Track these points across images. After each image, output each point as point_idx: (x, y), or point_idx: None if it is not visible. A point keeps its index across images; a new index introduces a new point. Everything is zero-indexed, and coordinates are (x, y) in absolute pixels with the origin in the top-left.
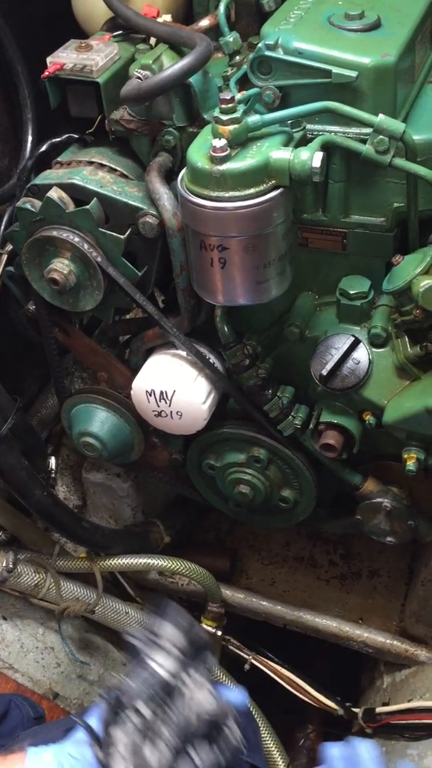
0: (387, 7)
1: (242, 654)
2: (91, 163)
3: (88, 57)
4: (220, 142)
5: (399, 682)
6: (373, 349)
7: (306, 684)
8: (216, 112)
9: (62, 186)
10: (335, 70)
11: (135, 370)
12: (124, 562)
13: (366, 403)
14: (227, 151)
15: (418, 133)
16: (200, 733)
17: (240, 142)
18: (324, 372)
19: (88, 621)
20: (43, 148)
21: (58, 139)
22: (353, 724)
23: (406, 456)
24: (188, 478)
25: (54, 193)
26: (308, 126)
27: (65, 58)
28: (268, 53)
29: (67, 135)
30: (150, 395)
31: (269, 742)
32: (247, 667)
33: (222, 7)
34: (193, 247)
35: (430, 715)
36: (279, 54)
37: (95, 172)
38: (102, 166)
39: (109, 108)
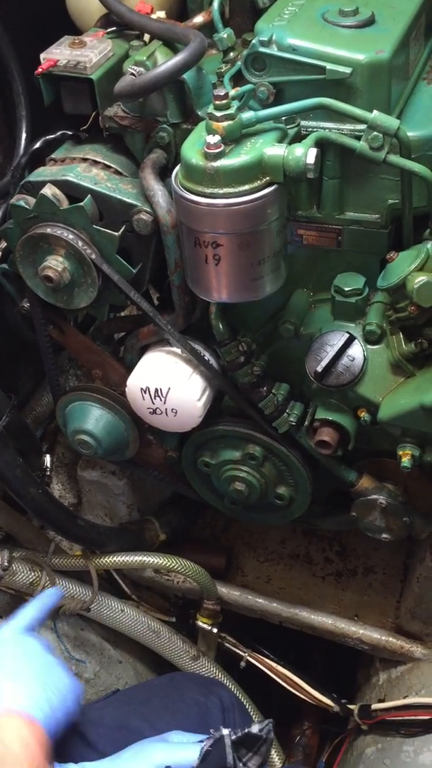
0: (381, 4)
1: (238, 651)
2: (85, 160)
3: (81, 53)
4: (214, 139)
5: (395, 678)
6: (368, 346)
7: (302, 681)
8: (210, 109)
9: (56, 183)
10: (329, 66)
11: (130, 368)
12: (119, 560)
13: (361, 400)
14: (221, 148)
15: (413, 129)
16: None
17: (234, 138)
18: (319, 369)
19: (83, 618)
20: (37, 145)
21: (52, 136)
22: (349, 721)
23: (401, 453)
24: (183, 476)
25: (48, 190)
26: (302, 122)
27: (59, 54)
28: (262, 50)
29: (60, 132)
30: (145, 392)
31: None
32: (243, 664)
33: (216, 4)
34: (187, 244)
35: (426, 711)
36: (273, 50)
37: (89, 169)
38: (96, 162)
39: (103, 104)
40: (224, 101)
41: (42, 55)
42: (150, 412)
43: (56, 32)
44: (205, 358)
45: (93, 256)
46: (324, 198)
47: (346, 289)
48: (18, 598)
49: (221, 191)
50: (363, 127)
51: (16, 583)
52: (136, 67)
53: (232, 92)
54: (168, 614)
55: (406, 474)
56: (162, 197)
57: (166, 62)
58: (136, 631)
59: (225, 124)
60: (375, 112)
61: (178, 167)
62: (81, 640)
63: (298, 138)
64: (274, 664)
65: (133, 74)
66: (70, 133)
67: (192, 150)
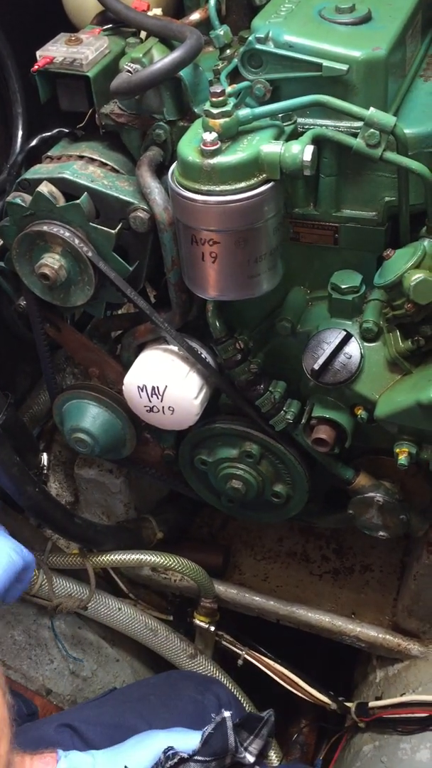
0: (378, 1)
1: (235, 649)
2: (81, 157)
3: (78, 51)
4: (210, 136)
5: (392, 676)
6: (365, 344)
7: (299, 679)
8: (206, 106)
9: (53, 180)
10: (326, 63)
11: (127, 366)
12: (116, 558)
13: (358, 397)
14: (218, 145)
15: (409, 126)
16: None
17: (230, 135)
18: (316, 366)
19: (80, 617)
20: (34, 143)
21: (49, 134)
22: (346, 718)
23: (397, 450)
24: (180, 474)
25: (44, 188)
26: (299, 120)
27: (55, 51)
28: (258, 47)
29: (57, 129)
30: (142, 390)
31: None
32: (240, 662)
33: (212, 1)
34: (184, 241)
35: (423, 709)
36: (269, 47)
37: (86, 167)
38: (92, 160)
39: (100, 102)
40: (221, 98)
41: (38, 53)
42: (147, 410)
43: (52, 29)
44: (202, 355)
45: (89, 254)
46: (321, 195)
47: (343, 286)
48: None
49: (218, 188)
50: (360, 124)
51: None
52: (132, 65)
53: (229, 89)
54: (165, 612)
55: (403, 471)
56: (159, 195)
57: (162, 59)
58: (133, 629)
59: (221, 121)
60: (372, 109)
61: (174, 164)
62: (78, 638)
63: (295, 135)
64: (271, 662)
65: (129, 71)
66: (66, 130)
67: (188, 147)
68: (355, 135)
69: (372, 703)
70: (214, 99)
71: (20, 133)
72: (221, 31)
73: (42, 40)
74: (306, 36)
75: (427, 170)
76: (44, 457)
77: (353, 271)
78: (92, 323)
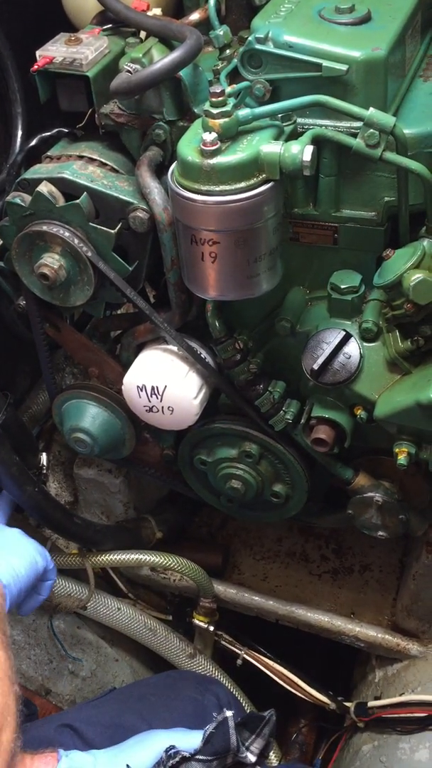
0: (377, 1)
1: (234, 649)
2: (81, 157)
3: (77, 51)
4: (210, 136)
5: (391, 676)
6: (365, 344)
7: (298, 679)
8: (206, 106)
9: (52, 180)
10: (325, 63)
11: (126, 366)
12: (116, 558)
13: (357, 397)
14: (217, 145)
15: (409, 126)
16: None
17: (230, 135)
18: (315, 366)
19: (80, 617)
20: (33, 143)
21: (48, 134)
22: (346, 718)
23: (397, 450)
24: (180, 474)
25: (44, 188)
26: (299, 120)
27: (55, 51)
28: (258, 47)
29: (57, 129)
30: (141, 390)
31: None
32: (239, 662)
33: (212, 1)
34: (183, 241)
35: (422, 708)
36: (269, 47)
37: (85, 167)
38: (92, 160)
39: (99, 102)
40: (220, 98)
41: (38, 53)
42: (146, 410)
43: (52, 29)
44: (202, 355)
45: (89, 254)
46: (320, 195)
47: (343, 286)
48: None
49: (217, 188)
50: (359, 124)
51: None
52: (132, 65)
53: (229, 89)
54: (164, 612)
55: (403, 471)
56: (158, 195)
57: (162, 59)
58: (132, 629)
59: (221, 121)
60: (371, 109)
61: (174, 164)
62: (77, 638)
63: (295, 135)
64: (270, 662)
65: (129, 71)
66: (66, 130)
67: (188, 147)
68: (354, 135)
69: (371, 703)
70: (213, 99)
71: (20, 132)
72: (221, 31)
73: (42, 40)
74: (306, 36)
75: (427, 170)
76: (44, 456)
77: (353, 271)
78: (92, 323)
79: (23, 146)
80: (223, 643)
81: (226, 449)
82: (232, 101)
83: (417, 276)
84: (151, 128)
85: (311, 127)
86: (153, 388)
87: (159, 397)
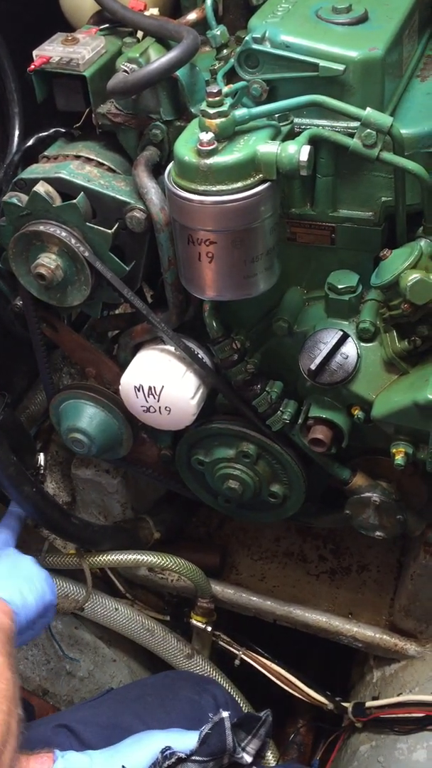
0: (374, 1)
1: (232, 649)
2: (78, 157)
3: (74, 50)
4: (207, 136)
5: (389, 676)
6: (362, 344)
7: (296, 679)
8: (203, 106)
9: (49, 180)
10: (322, 63)
11: (123, 366)
12: (113, 559)
13: (354, 397)
14: (214, 145)
15: (406, 127)
16: None
17: (227, 135)
18: (312, 367)
19: (77, 617)
20: (30, 143)
21: (45, 134)
22: (343, 718)
23: (394, 450)
24: (177, 474)
25: (41, 188)
26: (296, 120)
27: (51, 51)
28: (255, 47)
29: (53, 129)
30: (138, 391)
31: None
32: (237, 662)
33: (209, 1)
34: (180, 241)
35: (420, 708)
36: (266, 47)
37: (82, 167)
38: (89, 160)
39: (96, 102)
40: (217, 98)
41: (34, 52)
42: (144, 410)
43: (49, 29)
44: (199, 356)
45: (86, 254)
46: (317, 195)
47: (340, 286)
48: None
49: (214, 188)
50: (356, 124)
51: None
52: (129, 64)
53: (225, 89)
54: (162, 613)
55: (400, 472)
56: (155, 194)
57: (159, 59)
58: (130, 629)
59: (218, 121)
60: (368, 109)
61: (171, 164)
62: (75, 638)
63: (292, 135)
64: (268, 662)
65: (126, 71)
66: (62, 130)
67: (185, 147)
68: (351, 135)
69: (369, 703)
70: (210, 99)
71: (17, 132)
72: (218, 31)
73: (38, 40)
74: (303, 36)
75: (424, 170)
76: (41, 457)
77: (350, 271)
78: (89, 323)
79: (20, 146)
80: (221, 643)
81: (224, 449)
82: (229, 101)
83: (414, 276)
84: (148, 128)
85: (308, 127)
86: (150, 388)
87: (156, 397)
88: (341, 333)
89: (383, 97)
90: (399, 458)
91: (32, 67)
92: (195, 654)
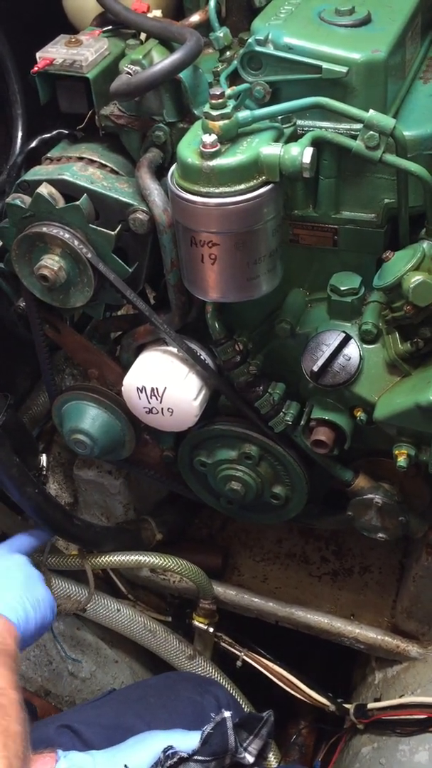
0: (377, 3)
1: (234, 651)
2: (81, 158)
3: (77, 52)
4: (210, 138)
5: (391, 677)
6: (364, 346)
7: (298, 680)
8: (206, 108)
9: (52, 182)
10: (325, 65)
11: (126, 367)
12: (116, 560)
13: (357, 399)
14: (217, 147)
15: (409, 128)
16: None
17: (230, 137)
18: (315, 368)
19: (79, 618)
20: (33, 144)
21: (48, 135)
22: (345, 720)
23: (396, 452)
24: (180, 475)
25: (44, 189)
26: (299, 122)
27: (55, 53)
28: (258, 49)
29: (57, 131)
30: (141, 392)
31: None
32: (239, 663)
33: (212, 3)
34: (183, 243)
35: (422, 710)
36: (269, 49)
37: (85, 168)
38: (92, 162)
39: (99, 103)
40: (220, 100)
41: (38, 54)
42: (146, 412)
43: (52, 31)
44: (202, 357)
45: (89, 255)
46: (320, 197)
47: (342, 288)
48: None
49: (217, 190)
50: (359, 126)
51: None
52: (132, 66)
53: (229, 91)
54: (164, 614)
55: (402, 473)
56: (158, 196)
57: (162, 61)
58: (132, 630)
59: (221, 123)
60: (371, 111)
61: (174, 166)
62: (77, 639)
63: (294, 137)
64: (270, 664)
65: (129, 73)
66: (66, 132)
67: (188, 149)
68: (354, 137)
69: (371, 705)
70: (213, 101)
71: (20, 134)
72: (221, 32)
73: (42, 42)
74: (306, 38)
75: (426, 172)
76: (44, 458)
77: (352, 273)
78: (91, 324)
79: (23, 148)
80: (223, 644)
81: (226, 451)
82: (232, 103)
83: (417, 278)
84: (151, 130)
85: (311, 129)
86: (153, 389)
87: (159, 398)
88: (344, 335)
89: (386, 99)
90: (401, 460)
91: (36, 68)
92: (197, 655)
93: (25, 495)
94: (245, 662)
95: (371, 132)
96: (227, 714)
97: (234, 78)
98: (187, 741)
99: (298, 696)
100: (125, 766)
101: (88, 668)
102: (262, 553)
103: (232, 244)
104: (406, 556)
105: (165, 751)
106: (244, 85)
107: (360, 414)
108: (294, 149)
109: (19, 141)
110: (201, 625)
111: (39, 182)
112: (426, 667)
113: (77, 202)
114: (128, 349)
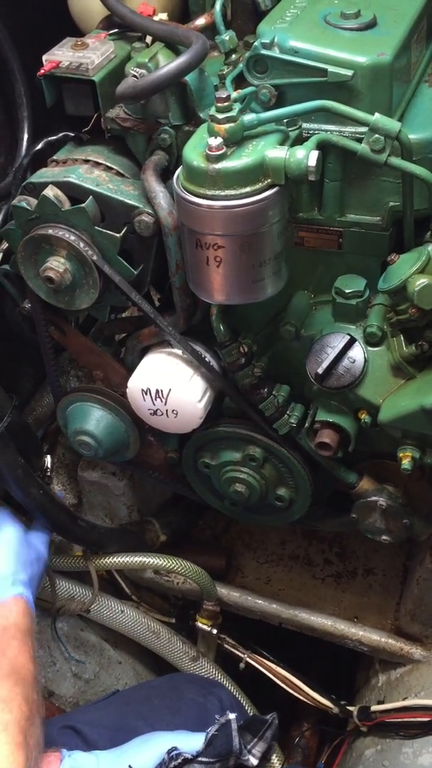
0: (383, 6)
1: (237, 652)
2: (87, 161)
3: (83, 55)
4: (215, 141)
5: (394, 680)
6: (369, 348)
7: (301, 682)
8: (212, 111)
9: (58, 184)
10: (331, 68)
11: (131, 369)
12: (119, 561)
13: (361, 401)
14: (223, 150)
15: (414, 132)
16: None
17: (236, 140)
18: (320, 371)
19: (83, 619)
20: (39, 147)
21: (54, 138)
22: (348, 722)
23: (401, 454)
24: (184, 477)
25: (50, 192)
26: (304, 125)
27: (61, 56)
28: (264, 52)
29: (62, 133)
30: (146, 394)
31: None
32: (242, 665)
33: (218, 6)
34: (188, 245)
35: (425, 713)
36: (275, 53)
37: (91, 171)
38: (98, 164)
39: (105, 106)
40: (226, 103)
41: (44, 57)
42: (151, 413)
43: (58, 34)
44: (206, 359)
45: (94, 258)
46: (325, 200)
47: (347, 291)
48: None
49: (223, 193)
50: (364, 129)
51: None
52: (138, 69)
53: (234, 94)
54: (168, 615)
55: (407, 476)
56: (163, 199)
57: (168, 64)
58: (135, 632)
59: (227, 126)
60: (376, 114)
61: (179, 169)
62: (81, 640)
63: (300, 140)
64: (273, 666)
65: (135, 76)
66: (71, 134)
67: (193, 152)
68: (359, 140)
69: (374, 707)
70: (219, 104)
71: (26, 136)
72: (227, 36)
73: (48, 45)
74: (311, 41)
75: None
76: (48, 459)
77: (357, 275)
78: (96, 326)
79: (29, 150)
80: (226, 646)
81: (230, 453)
82: (237, 106)
83: (422, 281)
84: (157, 133)
85: (316, 132)
86: (157, 391)
87: (163, 400)
88: (348, 337)
89: (391, 103)
90: (406, 462)
91: (42, 71)
92: (200, 657)
93: (29, 496)
94: (248, 664)
95: (376, 135)
96: (232, 716)
97: (239, 81)
98: (191, 742)
99: (301, 698)
100: (129, 766)
101: (92, 669)
102: (266, 554)
103: (237, 246)
104: (410, 558)
105: (169, 752)
106: (249, 89)
107: (364, 416)
108: (299, 152)
109: (25, 143)
110: (204, 627)
111: (45, 184)
112: (430, 670)
113: (83, 205)
114: (133, 351)
